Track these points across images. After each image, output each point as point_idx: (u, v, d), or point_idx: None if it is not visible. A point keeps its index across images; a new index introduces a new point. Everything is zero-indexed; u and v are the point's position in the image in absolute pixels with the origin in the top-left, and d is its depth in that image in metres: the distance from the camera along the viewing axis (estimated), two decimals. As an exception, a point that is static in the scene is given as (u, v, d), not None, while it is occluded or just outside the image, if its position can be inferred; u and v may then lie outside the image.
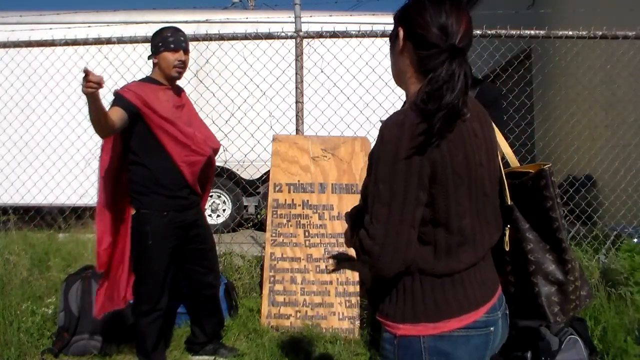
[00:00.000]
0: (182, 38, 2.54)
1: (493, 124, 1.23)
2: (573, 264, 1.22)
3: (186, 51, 2.56)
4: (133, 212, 2.50)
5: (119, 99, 2.35)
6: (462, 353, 1.08)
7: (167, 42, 2.50)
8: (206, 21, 5.99)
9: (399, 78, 1.18)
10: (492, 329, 1.12)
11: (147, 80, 2.57)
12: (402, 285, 1.11)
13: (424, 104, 1.00)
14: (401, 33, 1.12)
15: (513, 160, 1.30)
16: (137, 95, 2.41)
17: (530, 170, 1.22)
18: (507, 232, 1.23)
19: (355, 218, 1.19)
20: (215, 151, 2.77)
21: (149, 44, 2.58)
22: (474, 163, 1.08)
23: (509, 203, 1.22)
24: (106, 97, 6.09)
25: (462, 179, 1.06)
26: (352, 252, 1.18)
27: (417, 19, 1.08)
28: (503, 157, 1.28)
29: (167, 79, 2.57)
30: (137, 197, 2.49)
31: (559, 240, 1.20)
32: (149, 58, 2.60)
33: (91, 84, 2.02)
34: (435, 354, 1.08)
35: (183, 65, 2.55)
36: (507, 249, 1.23)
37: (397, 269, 1.05)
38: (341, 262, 1.40)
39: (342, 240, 3.26)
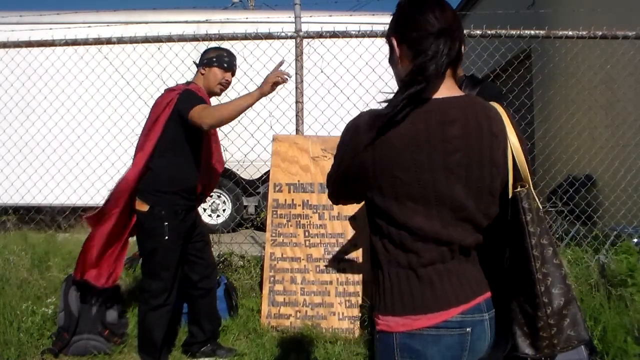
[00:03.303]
0: (235, 62, 2.75)
1: (509, 132, 1.18)
2: (544, 300, 1.13)
3: (234, 74, 2.77)
4: (145, 208, 2.51)
5: (201, 99, 2.53)
6: (433, 352, 1.08)
7: (222, 59, 2.68)
8: (206, 21, 5.98)
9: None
10: (468, 329, 1.10)
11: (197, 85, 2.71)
12: (377, 278, 1.16)
13: (409, 76, 1.08)
14: (394, 41, 1.18)
15: (525, 173, 1.21)
16: (207, 100, 2.62)
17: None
18: (508, 250, 1.19)
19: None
20: None
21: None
22: (429, 167, 1.07)
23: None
24: (106, 97, 6.02)
25: (406, 181, 1.07)
26: (351, 253, 1.21)
27: (404, 21, 1.16)
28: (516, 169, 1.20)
29: (208, 91, 2.72)
30: (155, 194, 2.51)
31: (529, 272, 1.14)
32: (196, 65, 2.75)
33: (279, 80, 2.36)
34: (406, 351, 1.09)
35: (227, 85, 2.75)
36: (505, 266, 1.19)
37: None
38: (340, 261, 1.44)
39: (342, 240, 3.27)
